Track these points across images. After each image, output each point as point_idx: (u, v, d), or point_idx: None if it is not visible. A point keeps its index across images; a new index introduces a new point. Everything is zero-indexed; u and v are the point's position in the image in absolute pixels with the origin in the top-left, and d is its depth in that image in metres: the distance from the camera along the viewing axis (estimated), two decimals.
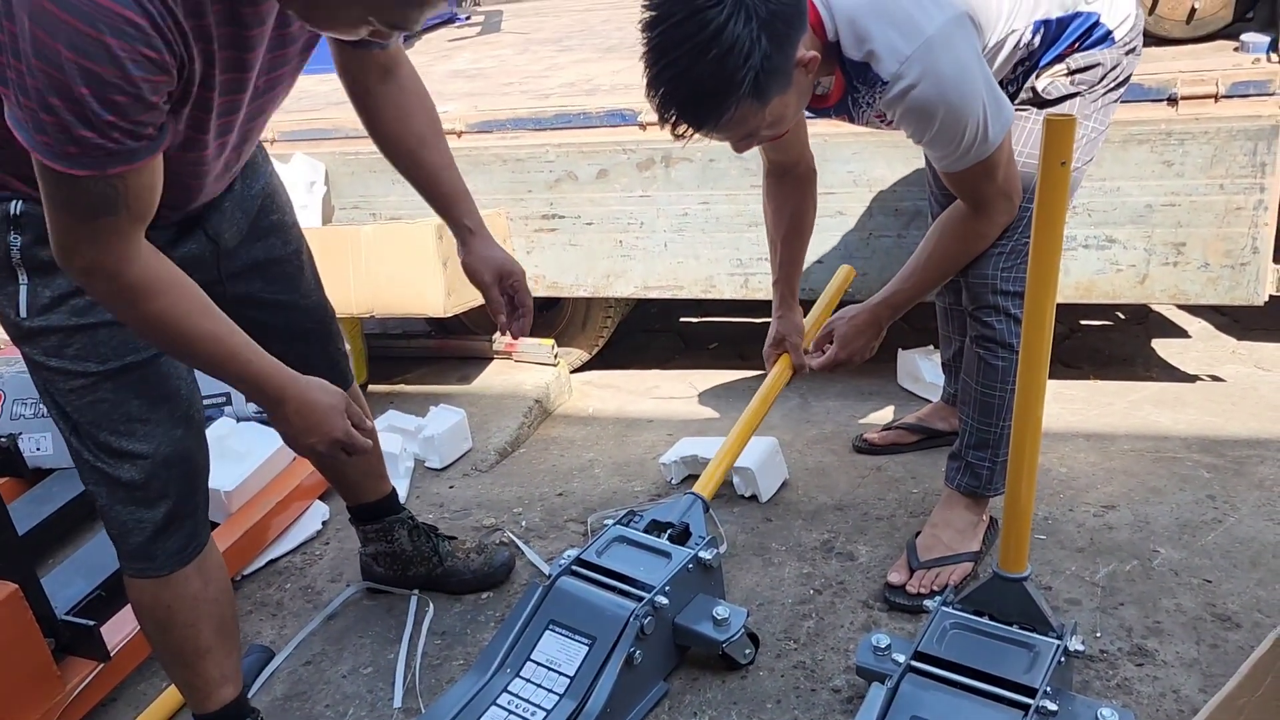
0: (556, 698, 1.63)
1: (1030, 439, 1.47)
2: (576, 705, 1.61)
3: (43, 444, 2.58)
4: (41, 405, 2.64)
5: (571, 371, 3.21)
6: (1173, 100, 2.36)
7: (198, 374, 1.49)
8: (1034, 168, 1.69)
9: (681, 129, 1.50)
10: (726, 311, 3.68)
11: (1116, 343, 3.09)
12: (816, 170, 2.05)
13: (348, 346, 1.93)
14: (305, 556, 2.31)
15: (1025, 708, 1.41)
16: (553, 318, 3.30)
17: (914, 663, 1.52)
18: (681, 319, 3.71)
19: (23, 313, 1.36)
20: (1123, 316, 3.25)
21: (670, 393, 3.06)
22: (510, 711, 1.63)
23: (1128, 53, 1.77)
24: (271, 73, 1.32)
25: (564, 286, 3.01)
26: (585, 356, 3.30)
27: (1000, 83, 1.72)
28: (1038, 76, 1.76)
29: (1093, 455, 2.31)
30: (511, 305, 1.73)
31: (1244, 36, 2.40)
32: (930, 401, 2.71)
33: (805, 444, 2.54)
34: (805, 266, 2.76)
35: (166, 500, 1.48)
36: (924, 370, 2.78)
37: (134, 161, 1.14)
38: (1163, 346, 3.02)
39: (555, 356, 3.07)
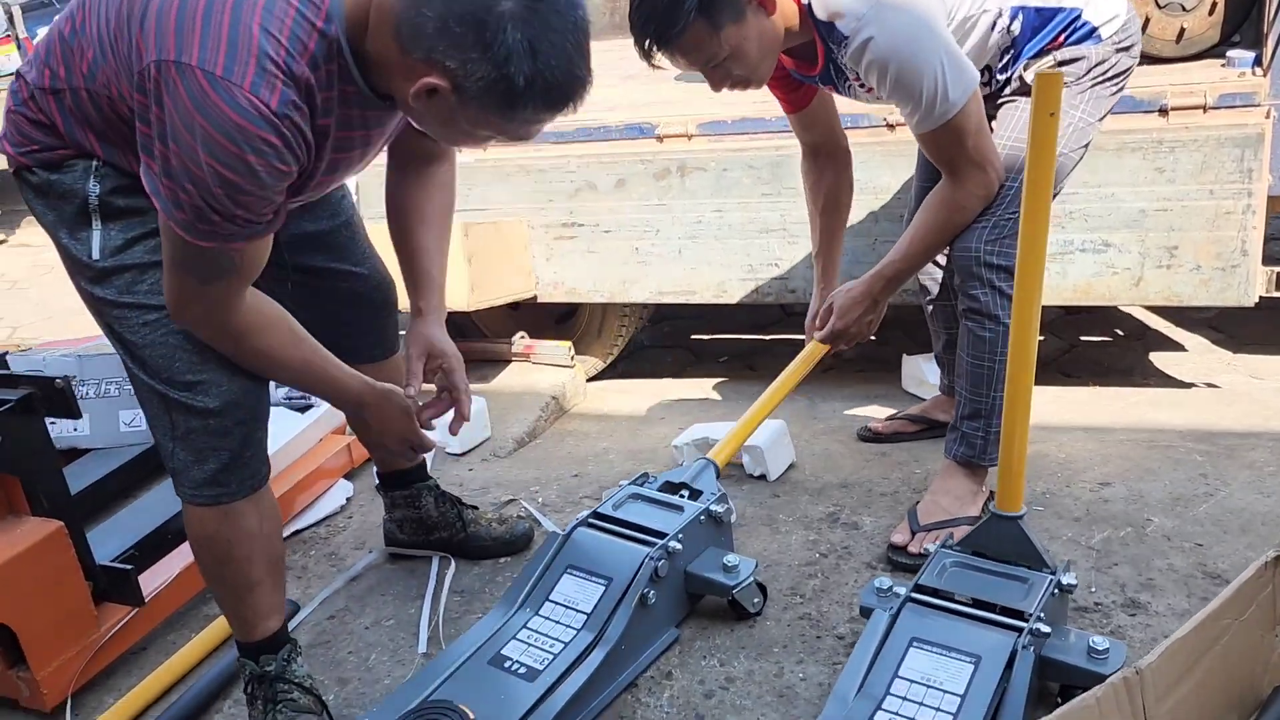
0: (574, 631, 1.71)
1: (1024, 383, 1.56)
2: (594, 638, 1.69)
3: (80, 425, 2.68)
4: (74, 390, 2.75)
5: (588, 380, 3.32)
6: (1163, 111, 2.50)
7: None
8: (1020, 150, 1.83)
9: (651, 50, 1.72)
10: (737, 329, 3.79)
11: (1115, 356, 3.20)
12: (851, 152, 2.19)
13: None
14: (329, 528, 2.40)
15: (1019, 630, 1.49)
16: (570, 326, 3.43)
17: (914, 594, 1.60)
18: (694, 336, 3.82)
19: (95, 255, 1.46)
20: (1121, 333, 3.36)
21: (682, 395, 3.16)
22: (529, 645, 1.70)
23: (1119, 50, 1.89)
24: (367, 147, 1.50)
25: (582, 292, 3.14)
26: (600, 365, 3.42)
27: (986, 68, 1.86)
28: (1026, 68, 1.90)
29: (1090, 444, 2.40)
30: (444, 394, 1.79)
31: (1230, 53, 2.55)
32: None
33: (812, 435, 2.64)
34: (812, 270, 2.90)
35: (241, 427, 1.55)
36: (927, 373, 2.88)
37: (253, 238, 1.36)
38: (1160, 359, 3.12)
39: (572, 358, 3.17)
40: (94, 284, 1.49)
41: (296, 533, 2.37)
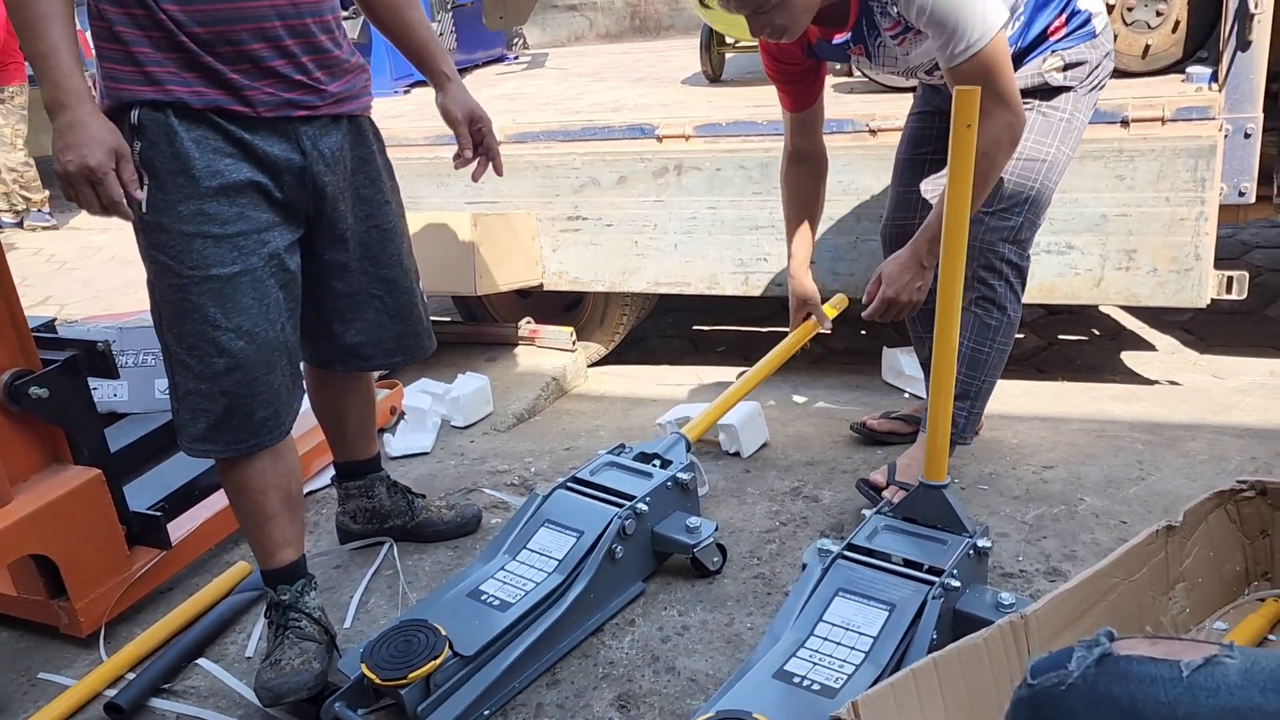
0: (545, 574, 1.92)
1: (947, 367, 1.74)
2: (563, 580, 1.90)
3: (119, 391, 2.93)
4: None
5: (589, 365, 3.53)
6: (1125, 122, 2.66)
7: None
8: (1048, 155, 2.05)
9: None
10: (736, 321, 3.99)
11: (1089, 354, 3.36)
12: (828, 160, 2.36)
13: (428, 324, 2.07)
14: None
15: (932, 583, 1.68)
16: (576, 314, 3.64)
17: (845, 552, 1.79)
18: (694, 327, 4.02)
19: (144, 208, 1.64)
20: (1097, 333, 3.52)
21: (678, 381, 3.37)
22: (505, 583, 1.92)
23: (1105, 55, 2.09)
24: None
25: (585, 281, 3.35)
26: (603, 351, 3.63)
27: None
28: (1044, 61, 2.05)
29: (1043, 432, 2.58)
30: (476, 149, 2.01)
31: (1189, 69, 2.71)
32: (908, 393, 3.00)
33: (789, 419, 2.83)
34: None
35: (225, 396, 1.71)
36: (904, 365, 3.06)
37: None
38: (1130, 358, 3.28)
39: (573, 343, 3.39)
40: (142, 234, 1.69)
41: (311, 492, 2.59)
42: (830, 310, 2.64)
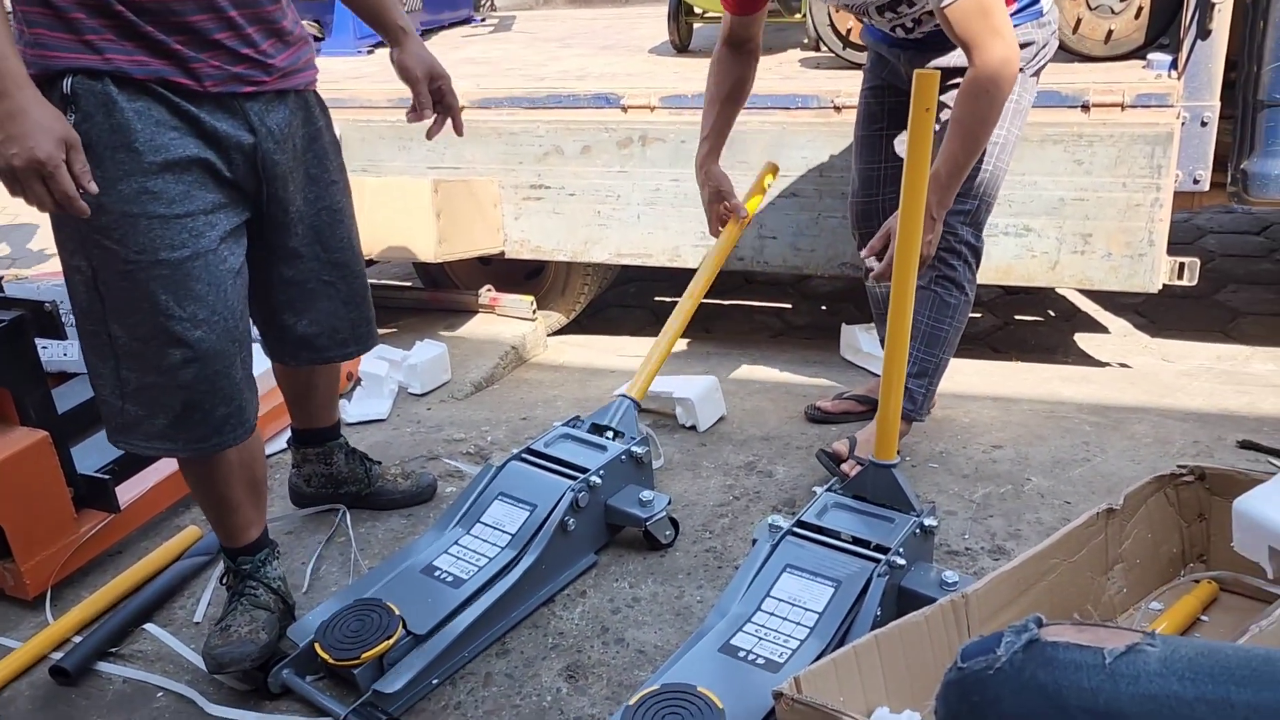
0: (499, 549, 1.93)
1: (899, 350, 1.76)
2: (515, 554, 1.91)
3: (69, 350, 2.88)
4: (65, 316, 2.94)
5: (549, 334, 3.52)
6: (1085, 107, 2.68)
7: None
8: (993, 136, 2.03)
9: None
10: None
11: (1043, 335, 3.41)
12: (760, 49, 2.29)
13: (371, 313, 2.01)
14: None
15: (878, 561, 1.71)
16: (537, 283, 3.63)
17: (794, 529, 1.82)
18: (656, 298, 4.02)
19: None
20: (1053, 314, 3.56)
21: (637, 352, 3.37)
22: (458, 558, 1.92)
23: (1051, 34, 2.11)
24: None
25: (546, 250, 3.33)
26: (563, 320, 3.62)
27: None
28: None
29: (994, 411, 2.62)
30: (436, 107, 1.92)
31: (1150, 55, 2.73)
32: (868, 370, 3.02)
33: (747, 393, 2.85)
34: (759, 241, 3.10)
35: (182, 391, 1.60)
36: (863, 342, 3.08)
37: None
38: (1083, 340, 3.33)
39: (534, 312, 3.38)
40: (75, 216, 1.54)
41: (268, 456, 2.57)
42: (755, 199, 2.57)
